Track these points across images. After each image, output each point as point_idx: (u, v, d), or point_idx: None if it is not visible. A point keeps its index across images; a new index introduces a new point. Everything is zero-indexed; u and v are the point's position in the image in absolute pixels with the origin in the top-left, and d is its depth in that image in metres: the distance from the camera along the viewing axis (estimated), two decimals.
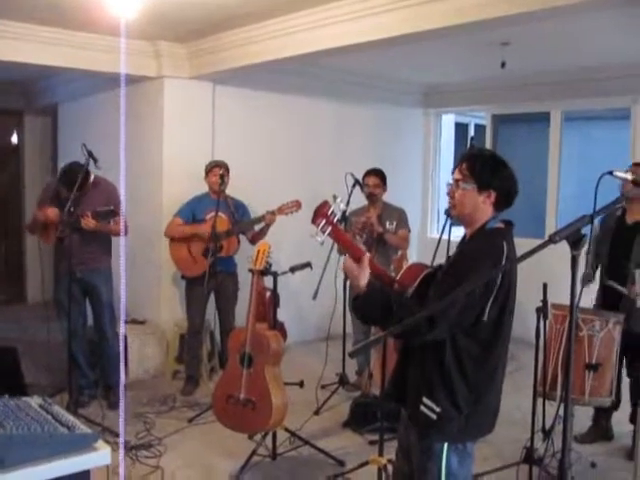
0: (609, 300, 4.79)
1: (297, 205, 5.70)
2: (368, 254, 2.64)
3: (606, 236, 4.98)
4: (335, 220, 2.59)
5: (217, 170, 5.78)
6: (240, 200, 6.06)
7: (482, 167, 2.65)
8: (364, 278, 2.57)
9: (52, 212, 5.15)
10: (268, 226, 5.80)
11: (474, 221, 2.68)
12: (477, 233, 2.67)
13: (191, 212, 5.93)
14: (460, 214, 2.72)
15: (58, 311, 5.48)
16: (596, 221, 5.06)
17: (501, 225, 2.68)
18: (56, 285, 5.52)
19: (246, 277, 4.78)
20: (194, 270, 5.86)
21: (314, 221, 2.58)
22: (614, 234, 4.91)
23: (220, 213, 5.67)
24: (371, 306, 2.57)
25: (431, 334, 2.46)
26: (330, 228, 2.58)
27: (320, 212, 2.58)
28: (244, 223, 5.90)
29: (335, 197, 2.66)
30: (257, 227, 5.94)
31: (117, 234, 5.37)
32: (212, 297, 6.00)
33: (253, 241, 5.90)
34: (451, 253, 2.85)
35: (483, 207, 2.64)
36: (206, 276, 5.60)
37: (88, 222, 5.08)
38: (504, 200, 2.66)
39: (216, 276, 5.73)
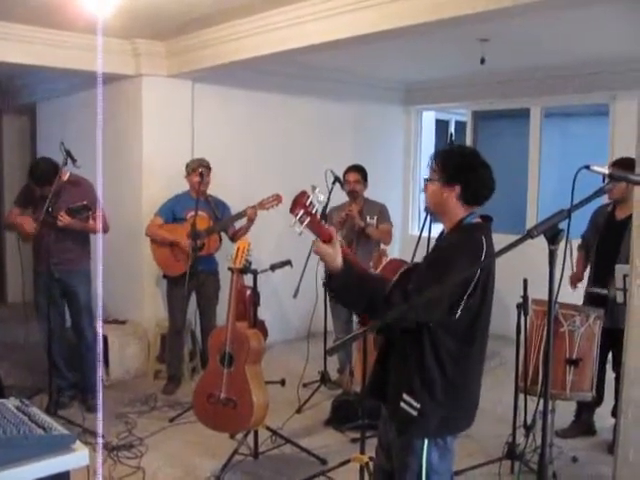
0: (596, 299, 4.79)
1: (278, 199, 5.67)
2: (334, 229, 2.62)
3: (595, 232, 5.00)
4: (314, 211, 2.57)
5: (198, 170, 5.75)
6: (221, 199, 6.03)
7: (445, 162, 2.69)
8: (339, 257, 2.54)
9: (28, 224, 5.08)
10: (250, 222, 5.77)
11: (447, 217, 2.70)
12: (454, 228, 2.68)
13: (171, 211, 5.90)
14: (432, 209, 2.78)
15: (37, 312, 5.42)
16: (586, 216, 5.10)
17: (479, 220, 2.68)
18: (35, 286, 5.45)
19: (227, 275, 4.76)
20: (176, 269, 5.82)
21: (292, 211, 2.56)
22: (603, 230, 4.92)
23: (200, 212, 5.65)
24: (348, 285, 2.55)
25: (391, 314, 2.41)
26: (309, 219, 2.56)
27: (298, 202, 2.55)
28: (225, 220, 5.87)
29: (314, 188, 2.63)
30: (237, 224, 5.91)
31: (94, 231, 5.30)
32: (193, 296, 5.97)
33: (234, 238, 5.88)
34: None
35: (450, 202, 2.65)
36: (187, 276, 5.58)
37: (63, 219, 5.04)
38: (472, 194, 2.65)
39: (197, 275, 5.70)
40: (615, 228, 4.80)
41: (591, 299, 4.89)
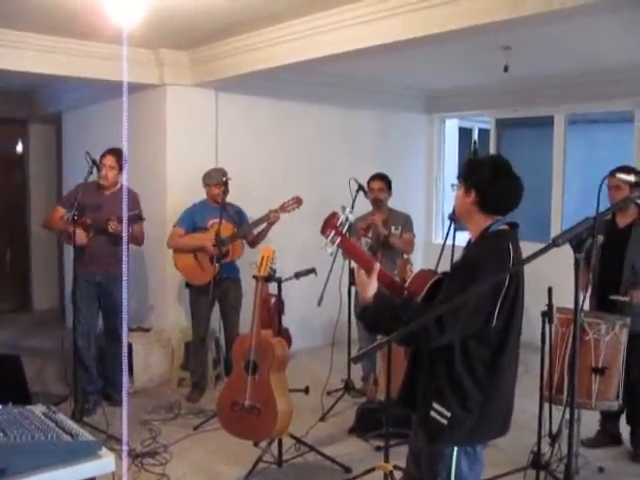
0: (604, 305, 4.74)
1: (298, 201, 5.68)
2: (378, 265, 2.65)
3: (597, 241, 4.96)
4: (344, 231, 2.60)
5: (222, 182, 5.74)
6: (237, 205, 6.04)
7: (466, 170, 2.74)
8: (372, 289, 2.58)
9: (80, 238, 5.17)
10: (270, 226, 5.76)
11: (472, 224, 2.72)
12: (480, 236, 2.68)
13: (192, 221, 5.90)
14: (458, 216, 2.81)
15: (75, 314, 5.46)
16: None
17: (505, 227, 2.68)
18: (74, 290, 5.50)
19: (249, 283, 4.77)
20: (202, 278, 5.80)
21: (323, 232, 2.60)
22: (606, 238, 4.88)
23: (223, 220, 5.67)
24: (380, 316, 2.58)
25: (441, 338, 2.46)
26: (339, 239, 2.59)
27: (329, 223, 2.59)
28: (248, 225, 5.87)
29: (344, 208, 2.68)
30: (256, 230, 5.92)
31: (138, 240, 5.49)
32: (216, 304, 5.98)
33: (253, 244, 5.90)
34: (456, 258, 2.86)
35: (471, 209, 2.68)
36: (211, 283, 5.59)
37: (116, 226, 5.18)
38: (488, 204, 2.65)
39: (221, 283, 5.71)
40: (618, 236, 4.77)
41: (599, 306, 4.83)
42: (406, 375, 2.86)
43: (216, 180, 5.77)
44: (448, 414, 2.58)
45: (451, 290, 2.50)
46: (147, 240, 5.81)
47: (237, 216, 5.92)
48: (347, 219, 2.67)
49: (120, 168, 5.43)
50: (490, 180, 2.64)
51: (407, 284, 2.76)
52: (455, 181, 2.80)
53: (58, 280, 9.28)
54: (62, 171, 8.83)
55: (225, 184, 5.69)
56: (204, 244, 5.72)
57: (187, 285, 6.09)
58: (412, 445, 2.93)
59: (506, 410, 2.73)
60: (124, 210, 5.20)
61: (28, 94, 8.88)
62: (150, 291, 6.86)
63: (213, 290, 5.61)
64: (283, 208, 5.68)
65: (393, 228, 5.83)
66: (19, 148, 9.55)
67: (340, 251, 2.68)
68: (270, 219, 5.68)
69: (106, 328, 5.72)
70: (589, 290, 5.09)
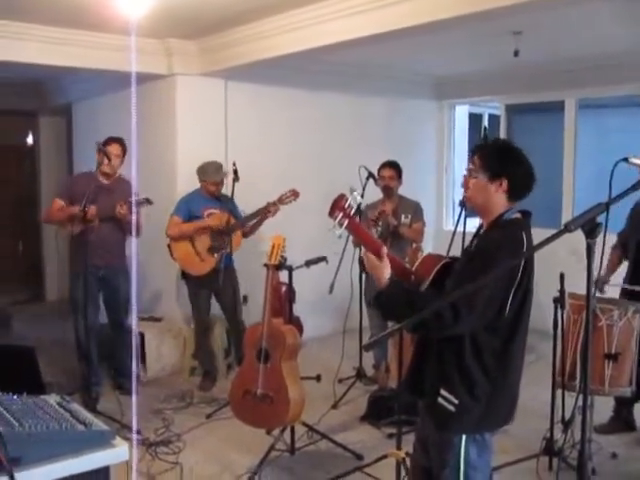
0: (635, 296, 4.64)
1: (295, 194, 5.69)
2: (385, 247, 2.63)
3: (634, 229, 4.89)
4: (352, 213, 2.58)
5: (219, 179, 5.80)
6: (227, 195, 5.94)
7: (492, 156, 2.66)
8: (387, 272, 2.57)
9: (92, 212, 5.18)
10: (264, 218, 5.75)
11: (489, 211, 2.68)
12: (494, 224, 2.65)
13: (188, 210, 5.88)
14: (474, 205, 2.73)
15: (74, 308, 5.50)
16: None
17: (518, 215, 2.66)
18: (73, 282, 5.52)
19: (258, 272, 4.77)
20: (201, 268, 5.81)
21: (331, 214, 2.58)
22: None
23: (218, 210, 5.76)
24: (394, 302, 2.56)
25: (455, 327, 2.45)
26: (347, 221, 2.57)
27: (337, 205, 2.57)
28: (247, 216, 5.83)
29: (352, 190, 2.65)
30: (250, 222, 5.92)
31: (138, 229, 5.46)
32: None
33: (246, 235, 5.91)
34: (466, 244, 2.84)
35: (496, 197, 2.63)
36: (220, 274, 5.61)
37: (125, 211, 5.21)
38: (517, 188, 2.64)
39: (220, 273, 5.71)
40: None
41: (629, 296, 4.78)
42: (412, 362, 2.86)
43: (212, 178, 5.79)
44: (456, 401, 2.57)
45: (465, 278, 2.48)
46: (157, 229, 5.82)
47: (229, 205, 5.87)
48: (356, 201, 2.65)
49: (123, 156, 5.44)
50: (519, 166, 2.64)
51: (414, 268, 2.74)
52: (467, 166, 2.76)
53: (69, 269, 9.29)
54: (72, 162, 8.85)
55: (222, 182, 5.74)
56: (209, 223, 5.73)
57: (184, 276, 6.05)
58: (419, 432, 2.94)
59: (513, 398, 2.73)
60: (133, 195, 5.23)
61: (38, 86, 8.89)
62: (161, 280, 6.87)
63: (214, 281, 5.65)
64: (281, 200, 5.68)
65: (403, 217, 5.81)
66: (29, 140, 9.59)
67: (351, 239, 2.68)
68: (269, 211, 5.68)
69: (112, 321, 5.72)
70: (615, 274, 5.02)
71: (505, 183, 2.61)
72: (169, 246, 5.93)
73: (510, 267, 2.45)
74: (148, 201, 5.30)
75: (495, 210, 2.66)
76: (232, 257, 5.98)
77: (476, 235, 2.78)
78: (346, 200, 2.56)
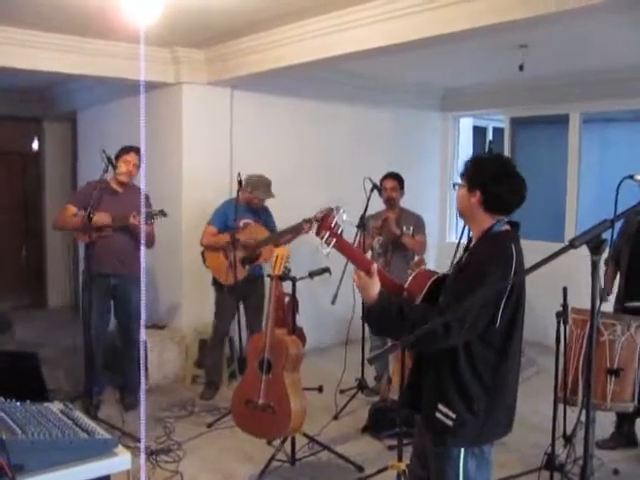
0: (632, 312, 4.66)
1: (330, 215, 5.63)
2: (376, 264, 2.64)
3: (627, 242, 4.90)
4: (339, 231, 2.59)
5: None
6: (267, 208, 6.02)
7: (473, 167, 2.70)
8: (376, 289, 2.58)
9: (102, 218, 5.19)
10: (297, 234, 5.63)
11: (474, 223, 2.72)
12: (483, 237, 2.67)
13: (224, 220, 5.86)
14: (461, 215, 2.81)
15: (84, 315, 5.44)
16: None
17: (507, 227, 2.68)
18: (83, 289, 5.50)
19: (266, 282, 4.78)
20: (232, 278, 5.75)
21: (317, 233, 2.59)
22: (635, 241, 4.83)
23: (253, 221, 5.80)
24: (384, 316, 2.57)
25: (447, 339, 2.46)
26: (334, 240, 2.58)
27: (323, 224, 2.58)
28: (281, 232, 5.79)
29: (338, 208, 2.67)
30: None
31: (150, 240, 5.45)
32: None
33: (277, 247, 5.89)
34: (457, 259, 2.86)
35: (474, 208, 2.66)
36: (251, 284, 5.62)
37: (135, 219, 5.16)
38: (492, 202, 2.63)
39: (247, 283, 5.73)
40: None
41: (626, 312, 4.77)
42: (410, 378, 2.88)
43: (261, 196, 5.81)
44: (453, 415, 2.59)
45: (457, 293, 2.51)
46: (162, 238, 5.83)
47: (264, 215, 5.93)
48: (342, 220, 2.67)
49: (139, 165, 5.45)
50: (495, 179, 2.63)
51: (406, 285, 2.76)
52: (458, 180, 2.80)
53: (72, 277, 9.32)
54: (77, 169, 8.87)
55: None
56: (241, 239, 5.70)
57: (214, 283, 6.04)
58: (416, 445, 2.95)
59: (510, 410, 2.74)
60: (141, 207, 5.21)
61: (43, 92, 8.92)
62: (165, 289, 6.88)
63: (240, 290, 5.67)
64: (316, 218, 5.61)
65: (405, 228, 5.83)
66: (35, 146, 9.60)
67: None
68: (304, 229, 5.55)
69: (122, 331, 5.67)
70: (614, 291, 5.04)
71: (478, 195, 2.63)
72: (202, 254, 5.94)
73: (506, 283, 2.49)
74: (162, 213, 5.29)
75: (480, 222, 2.68)
76: (262, 267, 6.00)
77: (466, 249, 2.80)
78: (332, 218, 2.57)
